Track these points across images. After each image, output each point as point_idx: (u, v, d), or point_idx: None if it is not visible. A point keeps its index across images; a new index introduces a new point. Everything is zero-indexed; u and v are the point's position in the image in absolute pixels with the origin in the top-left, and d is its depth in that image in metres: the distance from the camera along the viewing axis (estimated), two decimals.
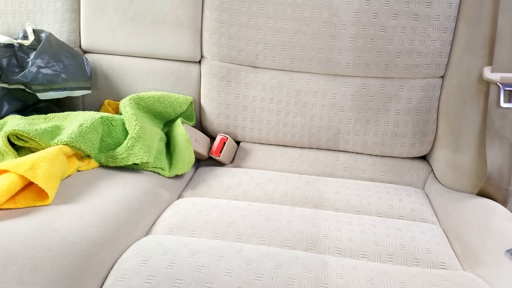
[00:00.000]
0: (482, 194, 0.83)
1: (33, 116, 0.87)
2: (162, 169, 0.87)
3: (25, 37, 0.96)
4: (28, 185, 0.66)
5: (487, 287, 0.60)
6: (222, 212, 0.76)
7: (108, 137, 0.87)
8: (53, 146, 0.76)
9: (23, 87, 0.90)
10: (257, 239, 0.71)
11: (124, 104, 0.92)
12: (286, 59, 0.96)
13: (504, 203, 0.80)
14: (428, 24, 0.89)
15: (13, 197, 0.63)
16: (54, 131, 0.81)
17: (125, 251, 0.64)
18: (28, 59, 0.91)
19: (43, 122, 0.85)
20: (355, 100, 0.96)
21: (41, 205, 0.65)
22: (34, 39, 0.95)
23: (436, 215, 0.84)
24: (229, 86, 1.01)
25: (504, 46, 0.78)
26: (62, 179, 0.74)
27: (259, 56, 0.97)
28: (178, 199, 0.87)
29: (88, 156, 0.83)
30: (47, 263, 0.53)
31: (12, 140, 0.77)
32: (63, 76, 0.94)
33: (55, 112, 0.90)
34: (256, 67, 0.99)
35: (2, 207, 0.61)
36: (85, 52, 1.08)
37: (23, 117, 0.85)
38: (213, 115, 1.03)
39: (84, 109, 1.09)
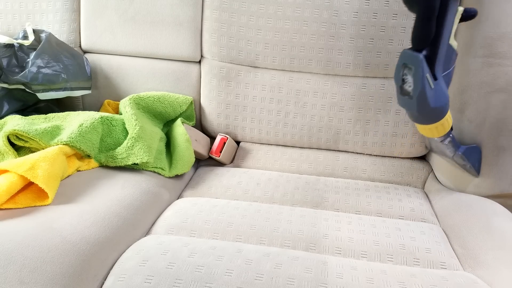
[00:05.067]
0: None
1: (33, 116, 0.87)
2: (162, 169, 0.87)
3: (25, 37, 0.96)
4: (28, 185, 0.66)
5: (487, 287, 0.60)
6: (222, 212, 0.76)
7: (108, 137, 0.87)
8: (53, 146, 0.76)
9: (23, 87, 0.90)
10: (257, 239, 0.71)
11: (124, 104, 0.92)
12: (286, 59, 0.96)
13: None
14: None
15: (13, 197, 0.63)
16: (54, 131, 0.81)
17: (125, 251, 0.64)
18: (28, 59, 0.91)
19: (43, 122, 0.85)
20: (355, 100, 0.96)
21: (41, 205, 0.65)
22: (34, 39, 0.95)
23: (436, 215, 0.84)
24: (229, 86, 1.01)
25: None
26: (62, 179, 0.74)
27: (259, 56, 0.97)
28: (178, 199, 0.87)
29: (88, 156, 0.83)
30: (47, 263, 0.53)
31: (12, 140, 0.77)
32: (63, 76, 0.94)
33: (55, 112, 0.90)
34: (256, 67, 0.99)
35: (2, 207, 0.61)
36: (85, 52, 1.08)
37: (23, 117, 0.85)
38: (213, 115, 1.04)
39: (84, 109, 1.09)
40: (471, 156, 0.81)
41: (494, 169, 0.80)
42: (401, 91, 0.70)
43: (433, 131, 0.75)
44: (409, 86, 0.68)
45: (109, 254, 0.61)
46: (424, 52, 0.65)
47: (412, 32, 0.66)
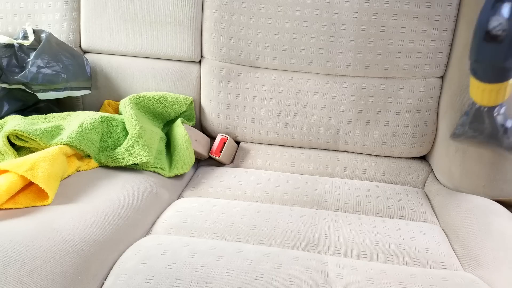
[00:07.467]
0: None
1: (33, 116, 0.87)
2: (162, 169, 0.87)
3: (25, 37, 0.96)
4: (28, 185, 0.66)
5: (487, 287, 0.60)
6: (222, 212, 0.76)
7: (108, 137, 0.87)
8: (53, 146, 0.76)
9: (23, 87, 0.90)
10: (257, 239, 0.71)
11: (124, 104, 0.92)
12: (286, 59, 0.96)
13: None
14: (428, 24, 0.89)
15: (13, 197, 0.63)
16: (54, 131, 0.81)
17: (125, 251, 0.64)
18: (28, 59, 0.91)
19: (43, 122, 0.85)
20: (355, 100, 0.96)
21: (41, 205, 0.65)
22: (34, 39, 0.95)
23: (436, 215, 0.84)
24: (229, 86, 1.01)
25: None
26: (62, 179, 0.74)
27: (259, 56, 0.97)
28: (178, 199, 0.87)
29: (88, 156, 0.83)
30: (47, 263, 0.53)
31: (12, 140, 0.77)
32: (63, 76, 0.94)
33: (55, 112, 0.90)
34: (256, 67, 0.99)
35: (2, 207, 0.61)
36: (85, 52, 1.08)
37: (23, 117, 0.85)
38: (213, 115, 1.04)
39: (84, 109, 1.09)
40: None
41: (494, 171, 0.80)
42: (487, 36, 0.64)
43: (498, 94, 0.68)
44: (499, 29, 0.62)
45: (109, 254, 0.61)
46: None
47: None
